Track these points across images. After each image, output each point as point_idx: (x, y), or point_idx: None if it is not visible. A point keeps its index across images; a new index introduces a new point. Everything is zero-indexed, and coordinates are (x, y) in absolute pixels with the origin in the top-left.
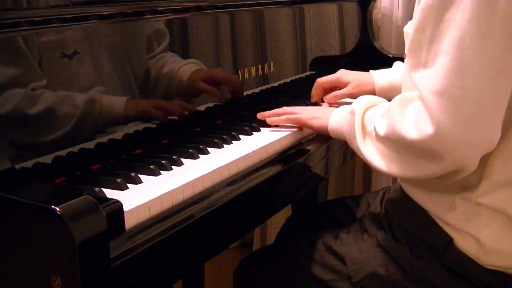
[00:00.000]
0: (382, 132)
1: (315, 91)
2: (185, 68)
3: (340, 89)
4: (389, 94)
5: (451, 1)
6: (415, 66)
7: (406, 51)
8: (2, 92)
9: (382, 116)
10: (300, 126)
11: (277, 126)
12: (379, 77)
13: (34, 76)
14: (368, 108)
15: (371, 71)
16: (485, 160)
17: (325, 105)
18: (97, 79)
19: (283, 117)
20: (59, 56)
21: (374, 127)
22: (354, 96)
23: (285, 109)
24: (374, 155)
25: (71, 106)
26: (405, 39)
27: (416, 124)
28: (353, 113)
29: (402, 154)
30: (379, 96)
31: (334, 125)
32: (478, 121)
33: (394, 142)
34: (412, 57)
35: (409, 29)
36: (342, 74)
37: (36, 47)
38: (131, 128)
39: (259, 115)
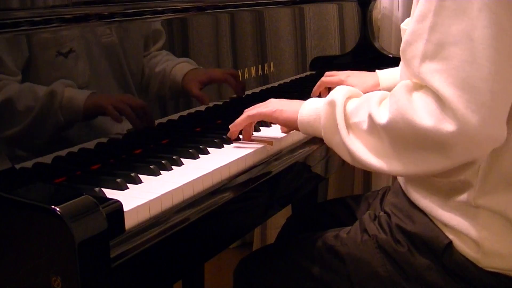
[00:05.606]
0: (383, 120)
1: (318, 89)
2: (178, 68)
3: None
4: None
5: None
6: (414, 58)
7: (402, 46)
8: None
9: (380, 103)
10: (264, 119)
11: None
12: (384, 77)
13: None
14: (348, 98)
15: (376, 71)
16: (485, 161)
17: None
18: (91, 77)
19: (243, 115)
20: (55, 54)
21: (371, 116)
22: None
23: (245, 111)
24: (364, 150)
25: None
26: (402, 36)
27: (430, 114)
28: (332, 103)
29: (405, 147)
30: None
31: (305, 117)
32: (495, 113)
33: (400, 131)
34: (410, 48)
35: (406, 26)
36: (346, 77)
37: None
38: (131, 128)
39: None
